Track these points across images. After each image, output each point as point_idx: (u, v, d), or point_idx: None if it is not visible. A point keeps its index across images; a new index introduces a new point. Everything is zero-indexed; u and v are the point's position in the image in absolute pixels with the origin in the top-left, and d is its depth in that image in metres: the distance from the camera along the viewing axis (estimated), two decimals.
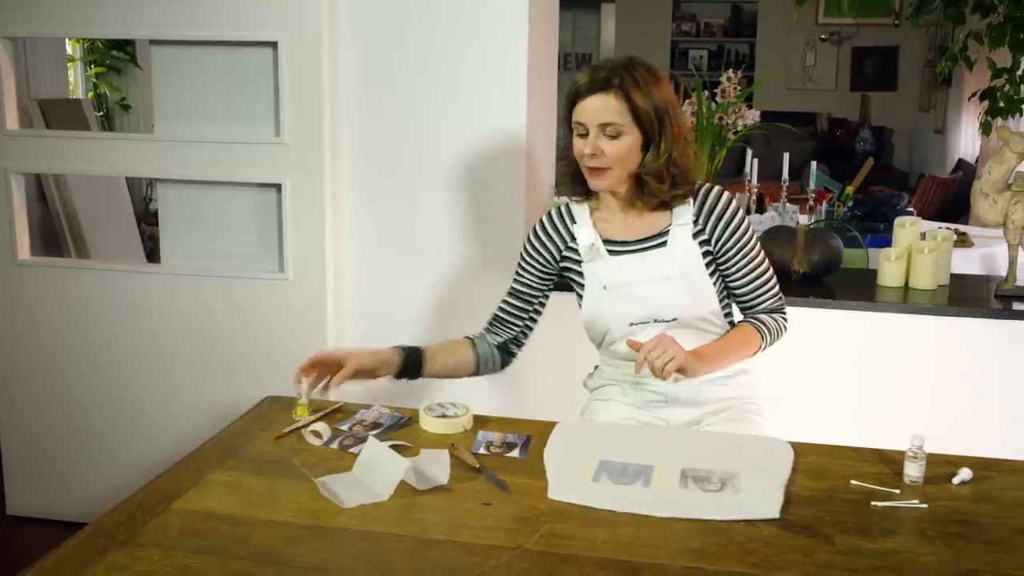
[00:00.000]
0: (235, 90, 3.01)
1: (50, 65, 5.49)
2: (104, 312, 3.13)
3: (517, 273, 2.19)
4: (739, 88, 4.86)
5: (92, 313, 3.13)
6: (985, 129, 3.65)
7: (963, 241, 4.48)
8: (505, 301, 2.21)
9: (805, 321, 2.93)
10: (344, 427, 1.96)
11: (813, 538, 1.55)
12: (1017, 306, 2.86)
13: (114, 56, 6.21)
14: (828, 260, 3.07)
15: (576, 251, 2.12)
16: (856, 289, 3.05)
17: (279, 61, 2.90)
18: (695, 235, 2.06)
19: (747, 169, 4.95)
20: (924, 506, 1.67)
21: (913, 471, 1.76)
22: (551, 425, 1.98)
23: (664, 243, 2.05)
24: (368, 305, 3.09)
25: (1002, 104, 3.65)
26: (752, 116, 4.95)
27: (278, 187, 3.00)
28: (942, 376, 2.89)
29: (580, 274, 2.12)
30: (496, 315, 2.21)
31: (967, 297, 2.97)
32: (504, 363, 2.22)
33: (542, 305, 2.21)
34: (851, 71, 9.73)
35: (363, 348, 2.06)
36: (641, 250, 2.07)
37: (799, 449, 1.90)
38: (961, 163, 7.36)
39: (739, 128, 4.90)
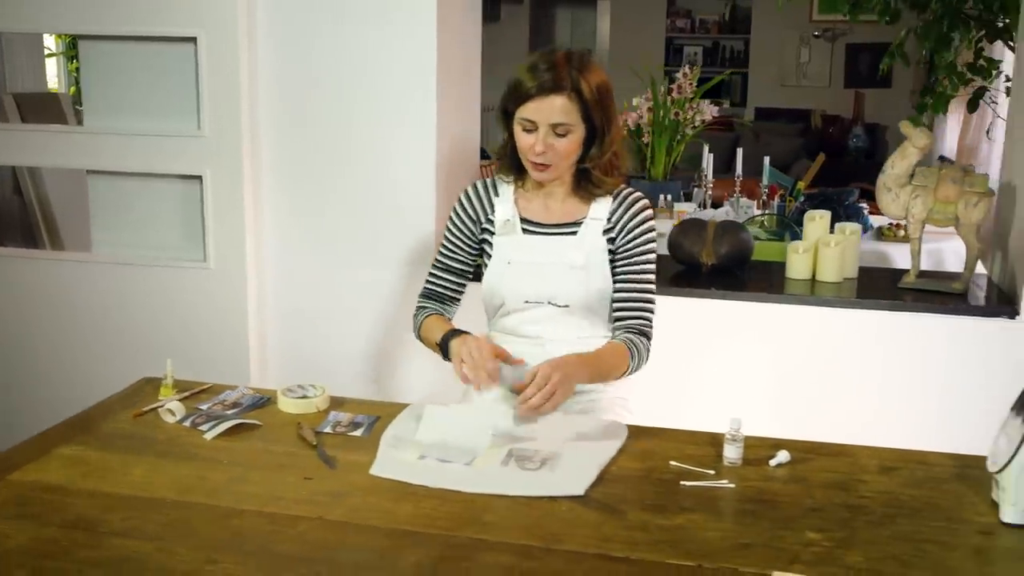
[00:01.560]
0: (159, 84, 3.11)
1: (28, 59, 5.63)
2: (36, 299, 3.24)
3: (449, 250, 2.23)
4: (694, 84, 4.92)
5: (24, 300, 3.24)
6: (915, 123, 3.67)
7: (907, 236, 4.50)
8: (444, 279, 2.25)
9: (711, 312, 3.00)
10: (204, 407, 2.05)
11: (607, 514, 1.62)
12: (920, 298, 2.90)
13: None
14: (737, 252, 3.11)
15: (493, 223, 2.18)
16: (766, 282, 3.10)
17: (198, 56, 2.99)
18: (605, 231, 2.14)
19: (703, 164, 5.00)
20: (732, 486, 1.73)
21: (731, 453, 1.82)
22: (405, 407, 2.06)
23: (575, 232, 2.13)
24: (288, 293, 3.18)
25: (929, 100, 3.67)
26: (710, 112, 5.01)
27: (200, 178, 3.09)
28: (843, 366, 2.94)
29: (491, 245, 2.19)
30: (442, 294, 2.25)
31: (872, 290, 3.02)
32: None
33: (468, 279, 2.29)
34: (845, 68, 9.70)
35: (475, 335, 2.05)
36: (553, 234, 2.14)
37: (638, 432, 1.97)
38: (942, 160, 7.34)
39: (696, 124, 4.96)
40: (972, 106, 3.63)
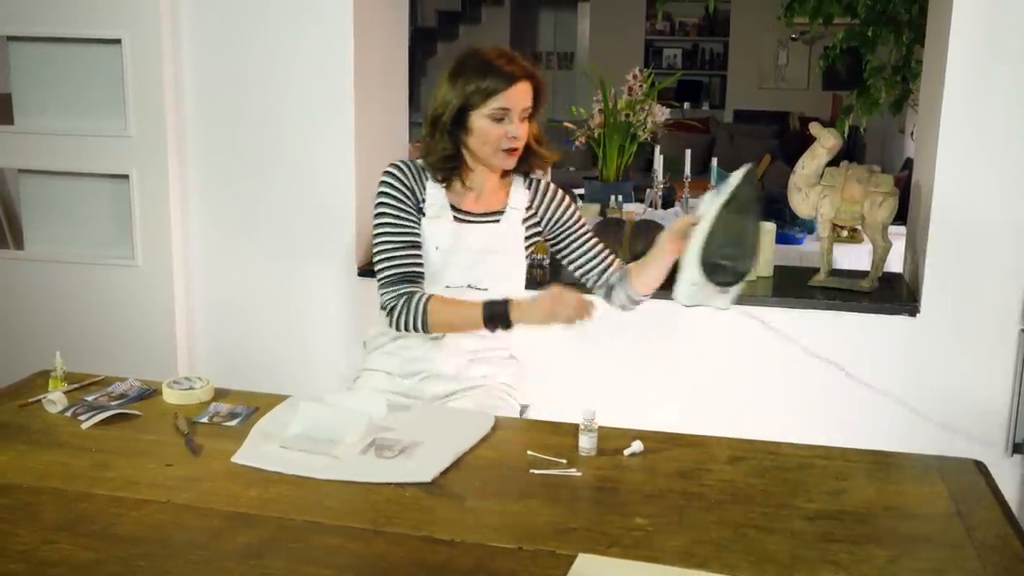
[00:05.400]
0: (88, 85, 3.18)
1: None
2: None
3: (403, 226, 2.17)
4: (644, 86, 4.97)
5: None
6: (839, 126, 3.73)
7: (853, 237, 4.55)
8: (410, 255, 2.17)
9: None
10: (90, 398, 2.10)
11: (446, 499, 1.67)
12: (829, 296, 2.95)
13: None
14: None
15: (424, 203, 2.19)
16: None
17: (123, 58, 3.06)
18: (525, 219, 2.26)
19: (655, 166, 5.05)
20: (578, 474, 1.78)
21: (585, 443, 1.87)
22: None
23: (498, 220, 2.24)
24: (215, 288, 3.25)
25: (859, 106, 3.71)
26: (662, 114, 5.05)
27: (127, 177, 3.16)
28: (754, 363, 2.99)
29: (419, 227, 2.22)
30: (415, 272, 2.18)
31: (785, 288, 3.06)
32: None
33: None
34: (823, 71, 9.73)
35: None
36: (481, 222, 2.22)
37: (506, 423, 2.02)
38: (908, 162, 7.39)
39: (648, 126, 5.01)
40: (895, 108, 3.68)
